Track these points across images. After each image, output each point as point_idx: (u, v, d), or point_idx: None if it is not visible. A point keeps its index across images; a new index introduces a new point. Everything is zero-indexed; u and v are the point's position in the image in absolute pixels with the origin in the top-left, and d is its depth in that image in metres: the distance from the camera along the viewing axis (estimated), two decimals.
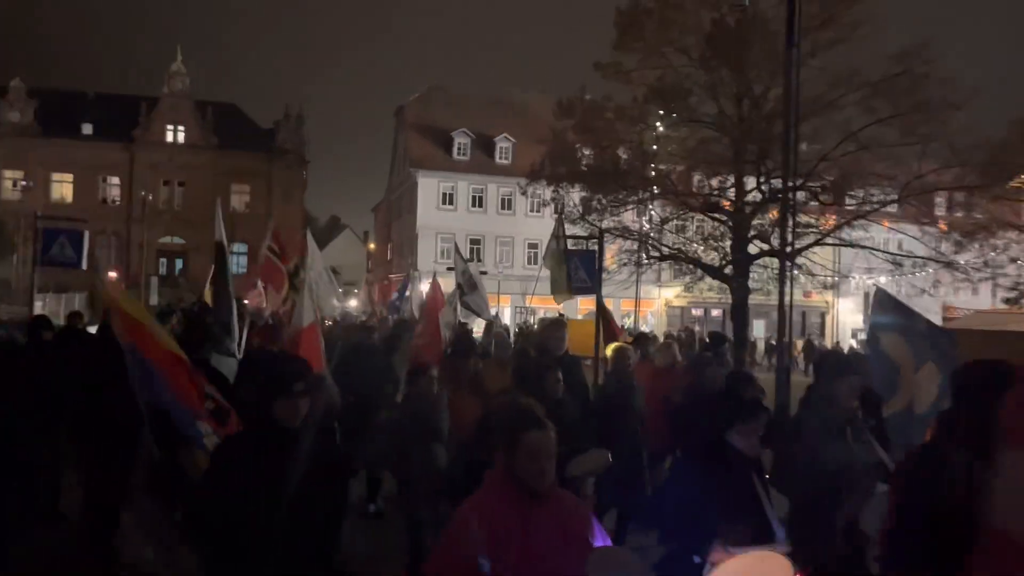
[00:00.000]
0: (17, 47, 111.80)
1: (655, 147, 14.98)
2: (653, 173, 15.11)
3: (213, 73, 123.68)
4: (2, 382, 5.55)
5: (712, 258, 15.34)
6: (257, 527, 3.23)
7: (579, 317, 32.45)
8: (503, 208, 47.23)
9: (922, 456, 3.14)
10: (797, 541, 4.12)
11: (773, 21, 11.36)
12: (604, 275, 15.92)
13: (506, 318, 39.00)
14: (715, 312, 47.38)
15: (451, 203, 48.20)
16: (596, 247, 14.61)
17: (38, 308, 18.01)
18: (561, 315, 10.19)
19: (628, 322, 38.14)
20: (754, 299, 31.15)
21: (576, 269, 14.94)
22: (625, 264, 15.39)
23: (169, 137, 53.72)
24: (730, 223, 14.46)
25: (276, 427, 3.39)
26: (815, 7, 13.80)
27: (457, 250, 14.22)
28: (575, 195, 15.73)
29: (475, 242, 46.61)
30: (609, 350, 7.97)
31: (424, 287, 41.55)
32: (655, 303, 47.54)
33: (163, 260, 53.29)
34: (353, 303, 29.77)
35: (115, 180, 53.31)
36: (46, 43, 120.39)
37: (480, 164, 48.26)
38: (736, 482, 3.99)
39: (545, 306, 33.62)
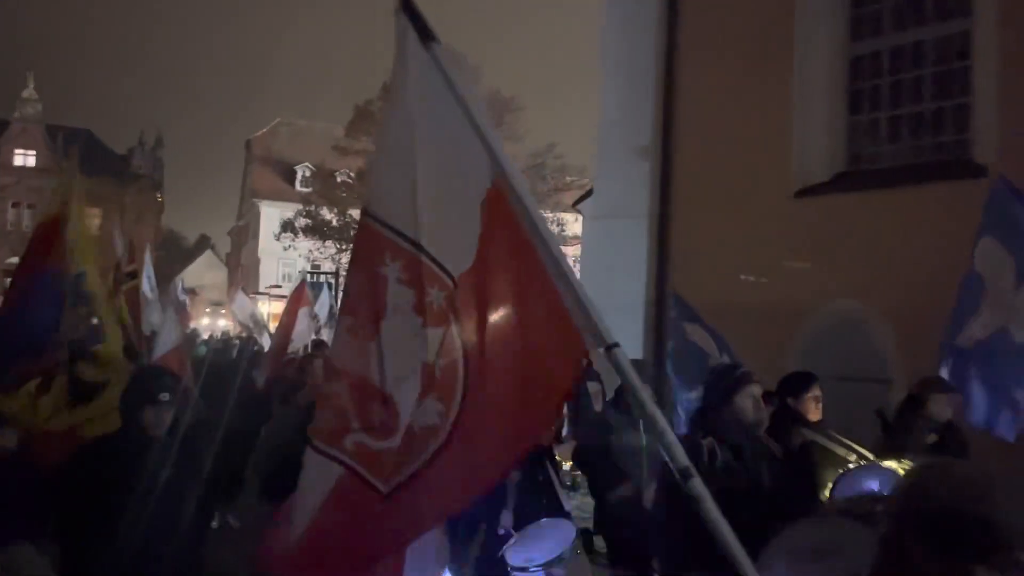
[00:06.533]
0: None
1: None
2: None
3: (69, 98, 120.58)
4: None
5: None
6: (119, 526, 3.33)
7: None
8: None
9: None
10: None
11: None
12: None
13: None
14: None
15: (292, 231, 51.46)
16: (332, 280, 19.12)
17: None
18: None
19: None
20: None
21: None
22: None
23: (19, 161, 54.82)
24: None
25: (143, 434, 3.57)
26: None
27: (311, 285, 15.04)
28: (306, 244, 20.54)
29: (315, 266, 49.95)
30: None
31: (265, 308, 44.82)
32: None
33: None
34: (222, 322, 31.57)
35: None
36: None
37: (322, 196, 51.82)
38: (528, 466, 4.57)
39: None
